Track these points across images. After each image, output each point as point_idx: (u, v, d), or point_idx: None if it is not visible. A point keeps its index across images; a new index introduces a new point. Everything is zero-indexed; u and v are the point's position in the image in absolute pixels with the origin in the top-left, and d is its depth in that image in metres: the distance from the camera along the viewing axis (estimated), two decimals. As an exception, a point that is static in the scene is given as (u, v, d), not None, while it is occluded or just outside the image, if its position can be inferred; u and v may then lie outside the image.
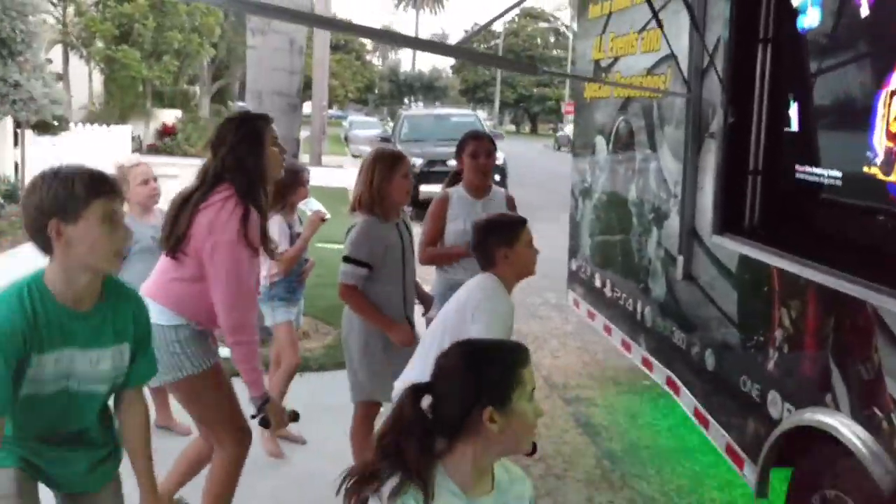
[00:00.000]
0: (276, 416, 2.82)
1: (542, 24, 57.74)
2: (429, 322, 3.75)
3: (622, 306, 4.65)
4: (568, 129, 43.85)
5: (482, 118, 18.14)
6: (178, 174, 16.75)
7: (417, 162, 12.62)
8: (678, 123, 3.88)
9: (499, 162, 14.00)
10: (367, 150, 26.69)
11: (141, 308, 2.15)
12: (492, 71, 58.12)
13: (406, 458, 1.52)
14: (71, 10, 19.94)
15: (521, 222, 2.88)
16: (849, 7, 2.96)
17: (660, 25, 3.59)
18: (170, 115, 23.40)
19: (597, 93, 5.04)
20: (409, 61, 77.15)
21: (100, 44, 19.98)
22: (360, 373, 3.40)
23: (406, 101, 64.13)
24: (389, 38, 2.52)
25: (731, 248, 3.39)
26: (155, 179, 3.87)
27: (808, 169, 3.21)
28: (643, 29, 4.26)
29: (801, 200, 3.28)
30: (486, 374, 1.57)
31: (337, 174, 18.35)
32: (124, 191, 3.74)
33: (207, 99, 29.70)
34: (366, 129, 31.56)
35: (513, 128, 63.63)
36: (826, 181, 3.10)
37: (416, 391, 1.60)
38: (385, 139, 15.39)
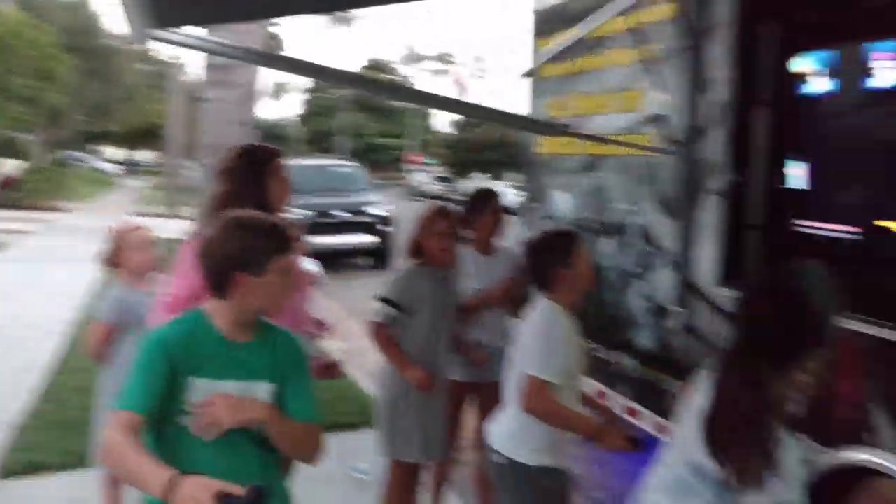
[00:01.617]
0: None
1: (395, 77, 58.76)
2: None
3: (596, 357, 4.75)
4: (418, 177, 44.67)
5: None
6: (33, 230, 15.56)
7: (306, 214, 12.38)
8: (667, 181, 4.07)
9: (385, 212, 14.02)
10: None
11: (297, 349, 2.12)
12: (337, 120, 58.26)
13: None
14: None
15: (577, 237, 2.81)
16: (848, 75, 3.28)
17: (662, 89, 3.78)
18: (8, 166, 21.65)
19: (557, 149, 5.20)
20: (250, 109, 75.70)
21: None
22: (386, 429, 3.37)
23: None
24: (407, 96, 2.55)
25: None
26: (154, 245, 3.58)
27: (808, 223, 3.48)
28: (619, 90, 4.48)
29: (801, 253, 3.52)
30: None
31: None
32: (117, 257, 3.47)
33: (45, 148, 27.83)
34: (217, 178, 30.54)
35: (358, 177, 63.74)
36: (828, 234, 3.37)
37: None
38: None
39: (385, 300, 3.31)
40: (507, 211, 3.99)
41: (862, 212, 3.29)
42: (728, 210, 3.69)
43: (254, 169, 2.72)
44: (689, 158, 3.86)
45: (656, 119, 4.14)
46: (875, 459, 2.87)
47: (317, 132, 58.69)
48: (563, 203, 5.14)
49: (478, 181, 44.40)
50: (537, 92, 5.48)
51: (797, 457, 1.76)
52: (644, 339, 4.31)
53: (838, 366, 3.08)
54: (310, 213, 12.12)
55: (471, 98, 65.85)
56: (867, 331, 2.93)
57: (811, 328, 1.78)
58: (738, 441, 1.78)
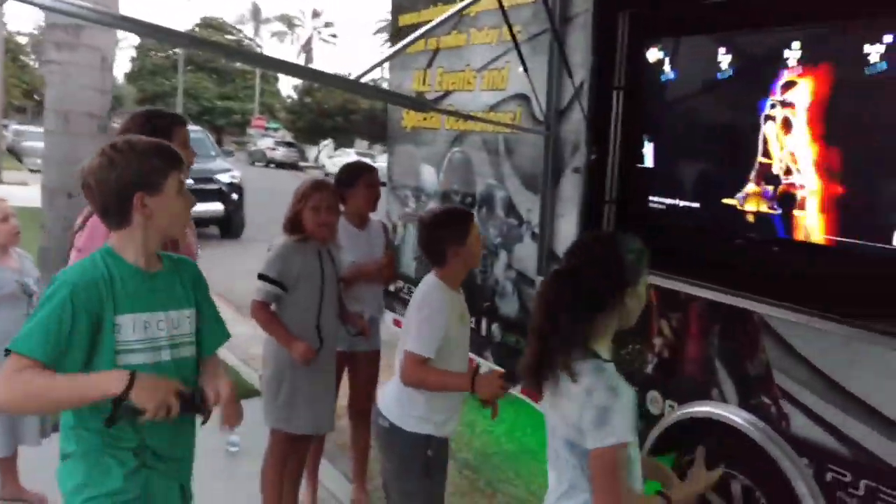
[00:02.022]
0: None
1: (228, 37, 56.35)
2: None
3: (462, 324, 4.95)
4: (261, 143, 43.42)
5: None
6: None
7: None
8: (531, 157, 4.29)
9: (234, 180, 13.64)
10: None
11: (200, 273, 2.18)
12: (172, 81, 55.46)
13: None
14: None
15: (470, 216, 2.97)
16: (694, 64, 3.60)
17: (525, 70, 3.96)
18: None
19: (422, 123, 5.31)
20: (74, 66, 70.35)
21: None
22: (271, 401, 3.42)
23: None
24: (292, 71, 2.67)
25: (598, 268, 3.86)
26: (14, 216, 3.38)
27: (659, 199, 3.81)
28: (484, 68, 4.64)
29: (653, 225, 3.85)
30: (625, 259, 1.98)
31: (22, 193, 16.27)
32: None
33: None
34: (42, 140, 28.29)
35: (196, 141, 60.91)
36: (677, 208, 3.71)
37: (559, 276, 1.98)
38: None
39: (264, 277, 3.30)
40: (382, 184, 4.08)
41: (705, 188, 3.63)
42: (587, 186, 3.95)
43: (157, 136, 2.59)
44: (551, 137, 4.08)
45: (520, 98, 4.35)
46: (719, 412, 3.23)
47: (149, 93, 55.50)
48: (429, 176, 5.27)
49: (326, 148, 44.01)
50: (400, 65, 5.55)
51: (607, 382, 1.90)
52: (508, 306, 4.54)
53: (687, 328, 3.43)
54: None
55: (317, 63, 64.56)
56: (711, 296, 3.27)
57: (615, 278, 1.98)
58: (531, 352, 2.00)
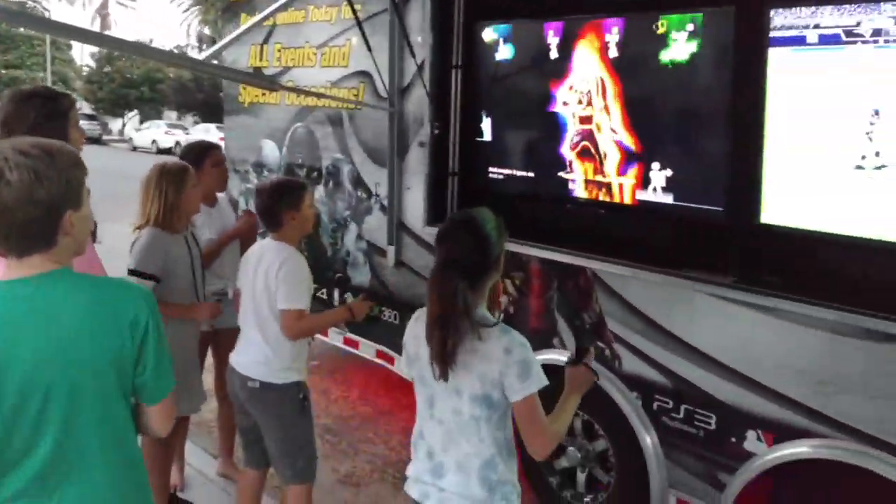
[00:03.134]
0: None
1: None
2: None
3: (316, 297, 5.09)
4: (58, 116, 40.14)
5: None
6: None
7: None
8: (375, 132, 4.48)
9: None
10: None
11: None
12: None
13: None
14: None
15: (305, 186, 3.19)
16: (529, 44, 3.93)
17: (369, 48, 4.13)
18: None
19: (261, 98, 5.33)
20: None
21: None
22: None
23: None
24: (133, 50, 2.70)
25: (445, 235, 4.14)
26: None
27: (497, 170, 4.14)
28: (324, 45, 4.75)
29: (493, 195, 4.18)
30: (492, 235, 2.21)
31: None
32: None
33: None
34: None
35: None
36: (515, 179, 4.05)
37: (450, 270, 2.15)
38: None
39: (137, 273, 3.19)
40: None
41: (538, 159, 3.99)
42: (431, 160, 4.22)
43: (58, 120, 2.46)
44: (395, 113, 4.30)
45: (362, 75, 4.52)
46: (559, 358, 3.62)
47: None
48: (270, 151, 5.33)
49: (131, 120, 41.53)
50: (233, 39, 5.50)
51: (517, 339, 2.15)
52: (360, 276, 4.74)
53: (529, 285, 3.80)
54: None
55: (116, 31, 60.48)
56: (548, 256, 3.65)
57: (488, 254, 2.22)
58: (437, 340, 2.15)
